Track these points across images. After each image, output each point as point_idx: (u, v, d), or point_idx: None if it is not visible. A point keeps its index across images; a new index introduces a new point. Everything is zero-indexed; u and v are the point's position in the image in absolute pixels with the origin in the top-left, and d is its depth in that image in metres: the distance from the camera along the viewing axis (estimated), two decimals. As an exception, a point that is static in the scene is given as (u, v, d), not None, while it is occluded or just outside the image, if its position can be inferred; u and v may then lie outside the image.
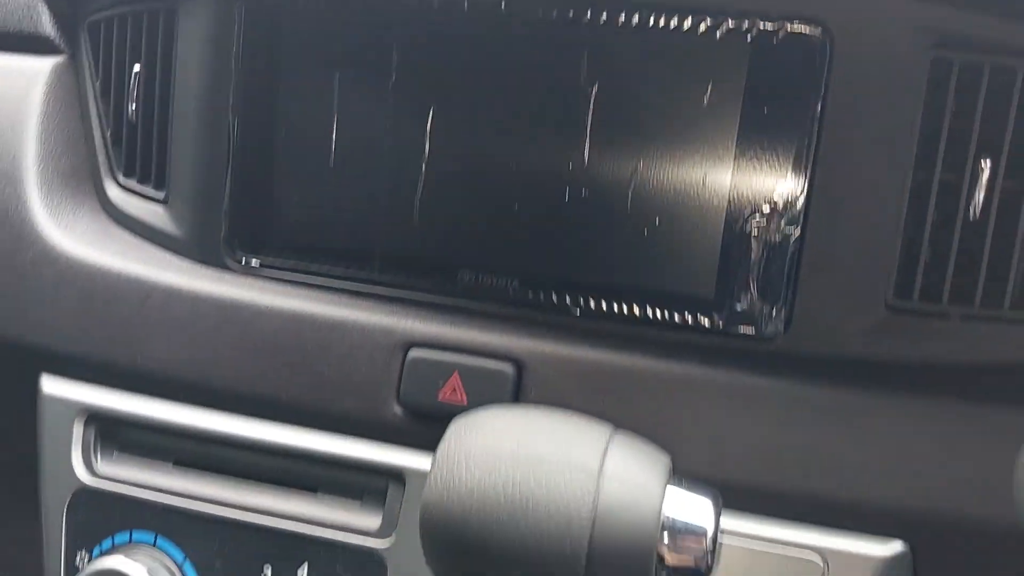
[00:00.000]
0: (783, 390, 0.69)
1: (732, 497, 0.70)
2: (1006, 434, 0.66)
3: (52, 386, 0.83)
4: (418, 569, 0.73)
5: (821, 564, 0.68)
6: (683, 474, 0.57)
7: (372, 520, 0.76)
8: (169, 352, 0.80)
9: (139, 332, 0.81)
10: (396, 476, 0.75)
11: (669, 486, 0.54)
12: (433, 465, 0.54)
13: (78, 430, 0.82)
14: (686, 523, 0.53)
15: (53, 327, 0.83)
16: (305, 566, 0.75)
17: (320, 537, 0.75)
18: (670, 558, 0.52)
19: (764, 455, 0.69)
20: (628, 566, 0.51)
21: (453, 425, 0.57)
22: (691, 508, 0.53)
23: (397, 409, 0.76)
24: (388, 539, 0.74)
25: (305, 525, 0.75)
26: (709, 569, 0.54)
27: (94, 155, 0.88)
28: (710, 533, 0.53)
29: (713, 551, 0.53)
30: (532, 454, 0.52)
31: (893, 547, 0.68)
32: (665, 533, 0.52)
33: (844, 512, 0.68)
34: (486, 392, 0.72)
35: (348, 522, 0.76)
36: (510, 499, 0.50)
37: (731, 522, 0.70)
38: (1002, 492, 0.66)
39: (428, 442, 0.75)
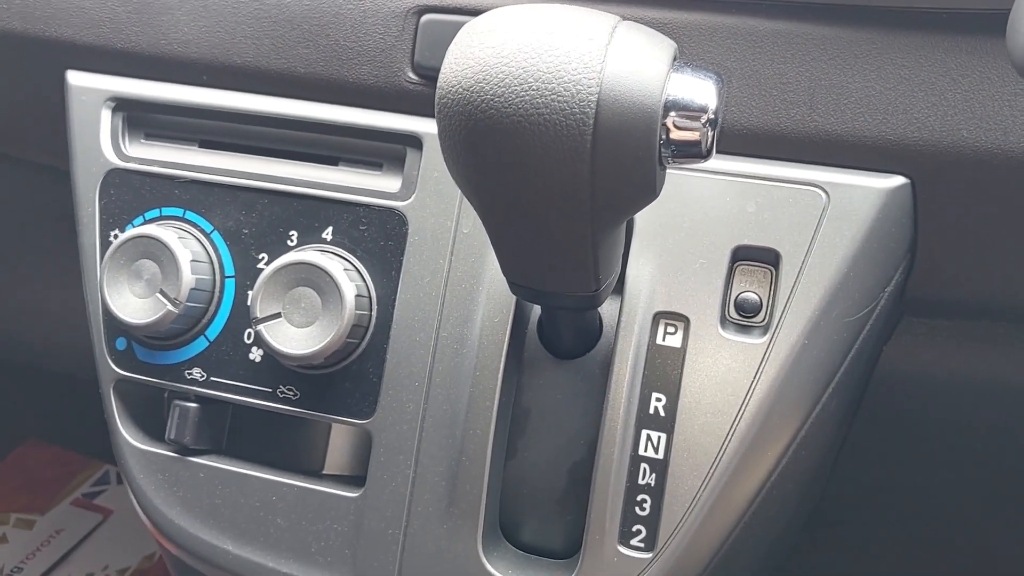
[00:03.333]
0: (786, 29, 0.71)
1: (735, 140, 0.73)
2: (1005, 65, 0.68)
3: (78, 78, 0.86)
4: (436, 226, 0.76)
5: (824, 197, 0.70)
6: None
7: (392, 183, 0.79)
8: (190, 33, 0.82)
9: (160, 17, 0.82)
10: (414, 141, 0.78)
11: (672, 72, 0.55)
12: (448, 51, 0.55)
13: (105, 116, 0.85)
14: (690, 99, 0.55)
15: (76, 19, 0.85)
16: (330, 229, 0.78)
17: (343, 199, 0.78)
18: (674, 132, 0.55)
19: (767, 94, 0.71)
20: (633, 134, 0.53)
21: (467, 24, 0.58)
22: (694, 87, 0.55)
23: (412, 75, 0.77)
24: (408, 200, 0.77)
25: (328, 191, 0.78)
26: (710, 150, 0.56)
27: None
28: (713, 107, 0.55)
29: (715, 128, 0.55)
30: (543, 28, 0.53)
31: (894, 180, 0.71)
32: (670, 110, 0.54)
33: (846, 148, 0.71)
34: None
35: (370, 186, 0.79)
36: (520, 66, 0.52)
37: (734, 164, 0.72)
38: (999, 120, 0.68)
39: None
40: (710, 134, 0.55)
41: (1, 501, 1.72)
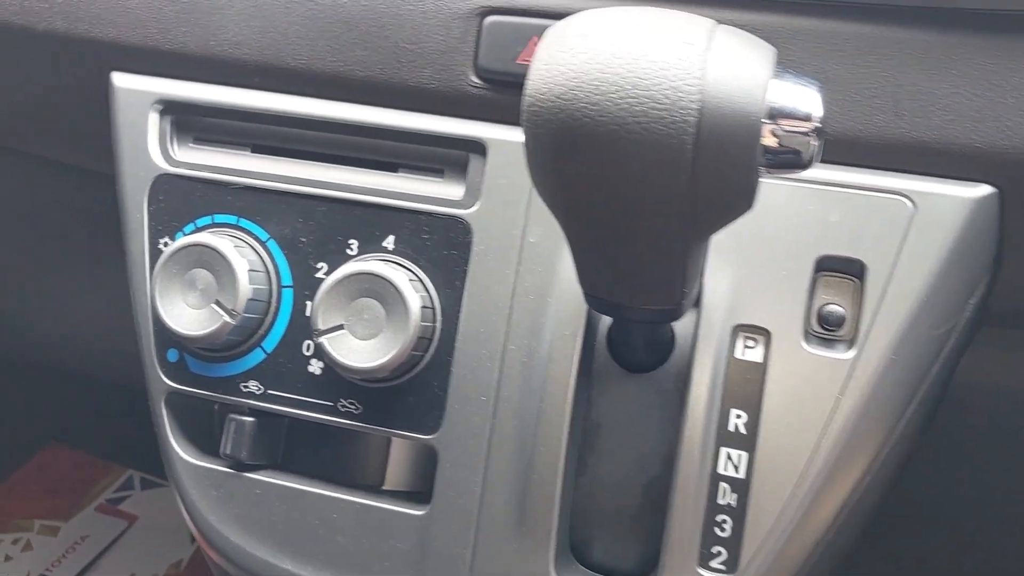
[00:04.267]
0: (871, 33, 0.68)
1: (820, 146, 0.70)
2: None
3: (124, 80, 0.83)
4: (503, 234, 0.74)
5: (910, 206, 0.68)
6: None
7: (455, 190, 0.76)
8: (241, 35, 0.79)
9: (209, 17, 0.80)
10: (477, 147, 0.75)
11: (774, 79, 0.53)
12: (535, 56, 0.53)
13: (153, 119, 0.82)
14: (794, 107, 0.52)
15: (121, 19, 0.82)
16: (391, 238, 0.76)
17: (405, 207, 0.75)
18: (776, 141, 0.52)
19: (850, 99, 0.69)
20: (735, 143, 0.50)
21: (551, 27, 0.56)
22: (797, 94, 0.53)
23: (475, 79, 0.75)
24: (473, 208, 0.74)
25: (389, 199, 0.76)
26: (811, 160, 0.53)
27: None
28: (818, 115, 0.52)
29: (820, 138, 0.53)
30: (637, 33, 0.51)
31: (982, 189, 0.68)
32: (773, 117, 0.52)
33: (933, 156, 0.68)
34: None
35: (431, 193, 0.76)
36: (616, 73, 0.50)
37: (816, 172, 0.69)
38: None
39: (507, 113, 0.75)
40: (814, 143, 0.53)
41: (25, 506, 1.70)
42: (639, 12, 0.53)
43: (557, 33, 0.53)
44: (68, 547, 1.63)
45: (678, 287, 0.60)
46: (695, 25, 0.53)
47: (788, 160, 0.53)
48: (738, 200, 0.54)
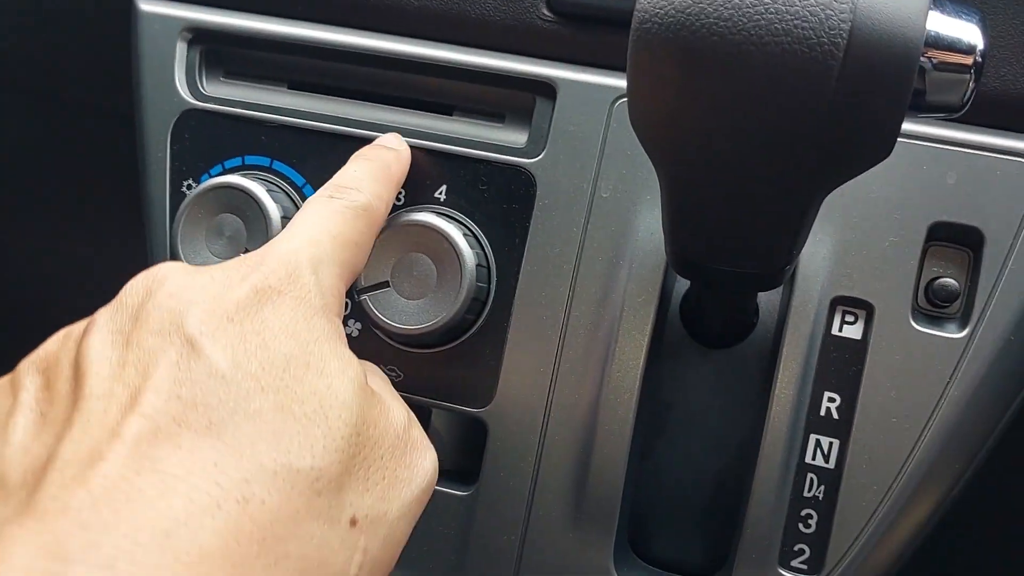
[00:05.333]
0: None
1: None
2: None
3: (149, 4, 0.75)
4: (570, 187, 0.66)
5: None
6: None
7: (517, 137, 0.68)
8: (282, -44, 0.71)
9: (247, -66, 0.72)
10: (546, 89, 0.67)
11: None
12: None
13: (181, 48, 0.74)
14: (956, 38, 0.45)
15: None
16: (443, 187, 0.68)
17: (460, 154, 0.67)
18: (933, 76, 0.45)
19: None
20: (886, 74, 0.43)
21: None
22: (957, 25, 0.45)
23: (546, 11, 0.67)
24: (537, 157, 0.67)
25: (441, 144, 0.68)
26: (966, 102, 0.46)
27: None
28: (981, 48, 0.45)
29: (979, 77, 0.45)
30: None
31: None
32: (931, 48, 0.44)
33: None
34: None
35: (490, 139, 0.68)
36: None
37: (933, 128, 0.62)
38: None
39: (581, 51, 0.67)
40: (971, 83, 0.45)
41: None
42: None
43: None
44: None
45: (787, 248, 0.52)
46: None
47: (942, 101, 0.46)
48: (878, 143, 0.46)
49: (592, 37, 0.66)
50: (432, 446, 0.52)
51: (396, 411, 0.50)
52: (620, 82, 0.66)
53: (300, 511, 0.42)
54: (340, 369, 0.47)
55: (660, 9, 0.44)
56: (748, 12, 0.42)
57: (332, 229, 0.53)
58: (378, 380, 0.55)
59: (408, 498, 0.48)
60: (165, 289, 0.46)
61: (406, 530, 0.49)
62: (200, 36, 0.74)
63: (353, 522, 0.45)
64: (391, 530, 0.47)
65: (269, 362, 0.44)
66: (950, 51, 0.45)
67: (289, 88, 0.73)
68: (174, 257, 0.68)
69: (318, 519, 0.43)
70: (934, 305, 0.61)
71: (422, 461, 0.50)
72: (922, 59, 0.44)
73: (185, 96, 0.73)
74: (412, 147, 0.68)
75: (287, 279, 0.48)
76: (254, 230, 0.67)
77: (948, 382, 0.60)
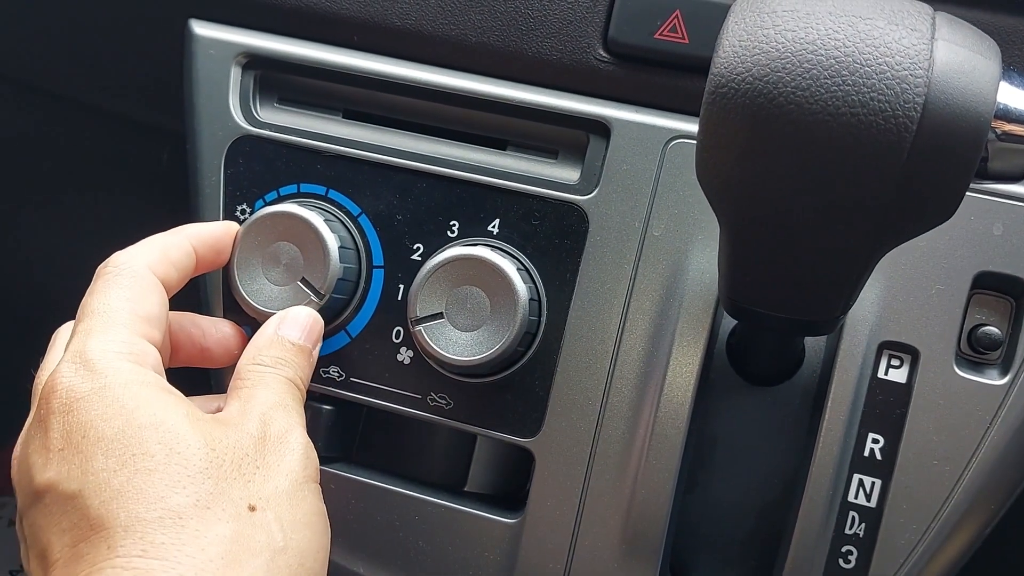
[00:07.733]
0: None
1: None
2: None
3: (205, 29, 0.76)
4: (622, 225, 0.68)
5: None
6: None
7: (570, 174, 0.70)
8: (341, -13, 0.72)
9: (306, -35, 0.73)
10: (600, 128, 0.69)
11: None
12: (723, 31, 0.47)
13: (235, 74, 0.75)
14: (1021, 111, 0.46)
15: (205, -39, 0.75)
16: (496, 221, 0.69)
17: (513, 189, 0.69)
18: (999, 147, 0.46)
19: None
20: (957, 145, 0.44)
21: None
22: (1022, 97, 0.47)
23: (603, 52, 0.68)
24: (590, 194, 0.68)
25: (496, 179, 0.69)
26: (1025, 171, 0.48)
27: None
28: (1049, 122, 0.46)
29: (1041, 147, 0.47)
30: (853, 12, 0.45)
31: None
32: (1000, 120, 0.46)
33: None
34: (714, 33, 0.65)
35: (544, 175, 0.70)
36: (832, 56, 0.43)
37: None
38: None
39: (636, 92, 0.69)
40: (1033, 153, 0.47)
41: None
42: (845, -6, 0.47)
43: (756, 5, 0.47)
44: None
45: (844, 300, 0.54)
46: (917, 8, 0.47)
47: (1006, 169, 0.47)
48: (942, 208, 0.48)
49: (647, 78, 0.68)
50: (297, 423, 0.58)
51: (246, 416, 0.57)
52: (674, 123, 0.67)
53: (200, 527, 0.49)
54: (166, 408, 0.53)
55: (737, 75, 0.45)
56: (825, 83, 0.44)
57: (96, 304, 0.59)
58: (214, 404, 0.63)
59: (289, 468, 0.55)
60: None
61: (315, 490, 0.57)
62: (255, 62, 0.75)
63: (252, 508, 0.52)
64: (294, 498, 0.54)
65: (105, 446, 0.51)
66: (1018, 124, 0.47)
67: (344, 117, 0.75)
68: (228, 281, 0.70)
69: (220, 522, 0.50)
70: (977, 352, 0.63)
71: (289, 438, 0.57)
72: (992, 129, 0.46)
73: (240, 122, 0.74)
74: (467, 181, 0.69)
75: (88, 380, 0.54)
76: (312, 259, 0.68)
77: (988, 427, 0.62)
